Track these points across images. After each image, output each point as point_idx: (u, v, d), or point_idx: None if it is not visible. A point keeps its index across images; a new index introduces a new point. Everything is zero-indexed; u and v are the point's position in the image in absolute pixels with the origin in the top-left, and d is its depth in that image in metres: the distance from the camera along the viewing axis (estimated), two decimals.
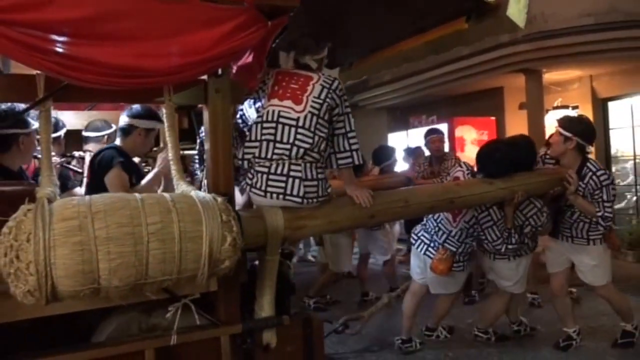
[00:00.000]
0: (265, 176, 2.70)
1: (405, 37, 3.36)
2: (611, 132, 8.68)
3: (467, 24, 2.96)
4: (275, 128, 2.72)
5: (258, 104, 2.90)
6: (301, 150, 2.69)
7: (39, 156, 3.02)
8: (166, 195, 2.32)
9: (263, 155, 2.72)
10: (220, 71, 2.60)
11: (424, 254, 4.19)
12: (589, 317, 5.04)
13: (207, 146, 2.68)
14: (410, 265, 4.55)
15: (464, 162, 4.24)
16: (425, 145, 6.65)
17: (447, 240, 4.02)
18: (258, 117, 2.80)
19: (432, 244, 4.15)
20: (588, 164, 4.07)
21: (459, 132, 8.67)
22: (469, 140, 9.28)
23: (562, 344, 4.38)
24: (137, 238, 2.13)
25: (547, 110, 8.64)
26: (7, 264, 2.07)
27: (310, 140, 2.70)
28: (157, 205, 2.21)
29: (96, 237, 2.08)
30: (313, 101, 2.74)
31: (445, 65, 8.48)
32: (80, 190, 3.63)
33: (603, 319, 4.96)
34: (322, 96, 2.76)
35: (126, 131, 3.37)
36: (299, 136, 2.69)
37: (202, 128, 3.21)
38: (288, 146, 2.69)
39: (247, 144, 2.78)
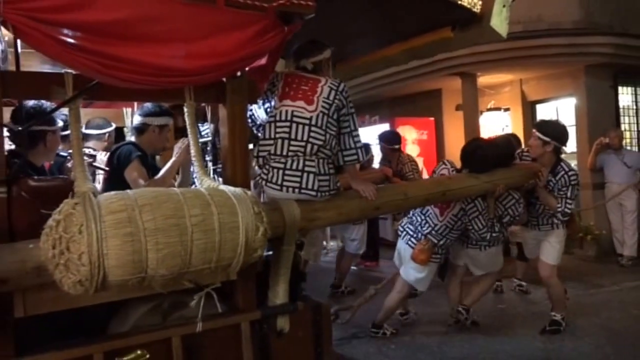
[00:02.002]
0: (281, 171, 2.94)
1: (389, 44, 3.68)
2: None
3: (452, 33, 3.32)
4: (290, 127, 2.97)
5: (267, 105, 3.13)
6: (315, 147, 2.95)
7: (62, 153, 3.14)
8: (202, 189, 2.50)
9: (279, 152, 2.96)
10: (238, 72, 2.81)
11: (407, 243, 4.56)
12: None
13: (224, 143, 2.88)
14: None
15: (448, 160, 4.63)
16: (381, 149, 6.99)
17: (430, 233, 4.42)
18: (271, 116, 3.04)
19: (415, 235, 4.52)
20: (562, 164, 4.62)
21: (401, 132, 9.11)
22: (410, 139, 9.79)
23: (549, 328, 4.85)
24: (182, 229, 2.31)
25: (482, 112, 9.25)
26: (57, 255, 2.20)
27: (323, 138, 2.97)
28: (197, 199, 2.40)
29: (145, 229, 2.24)
30: (323, 102, 3.01)
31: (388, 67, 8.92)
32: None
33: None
34: (331, 97, 3.03)
35: (141, 129, 3.53)
36: (312, 134, 2.96)
37: (206, 125, 3.42)
38: (303, 143, 2.95)
39: (261, 142, 3.01)
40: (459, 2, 2.92)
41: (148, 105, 3.51)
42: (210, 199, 2.42)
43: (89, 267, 2.17)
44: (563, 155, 4.75)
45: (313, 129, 2.97)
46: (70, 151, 2.90)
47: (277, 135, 2.99)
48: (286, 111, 3.01)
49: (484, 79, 9.09)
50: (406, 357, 4.51)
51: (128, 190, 2.41)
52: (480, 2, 3.03)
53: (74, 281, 2.20)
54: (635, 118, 8.94)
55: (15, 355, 2.40)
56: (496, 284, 5.97)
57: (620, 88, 8.75)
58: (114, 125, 4.00)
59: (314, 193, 2.96)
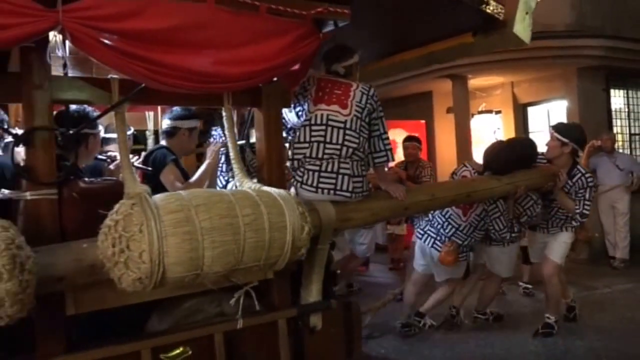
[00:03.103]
0: (316, 174, 3.17)
1: (408, 49, 3.94)
2: (530, 135, 9.76)
3: (474, 38, 3.59)
4: (325, 130, 3.21)
5: (299, 108, 3.36)
6: (350, 150, 3.20)
7: (100, 157, 3.32)
8: (249, 190, 2.72)
9: (314, 155, 3.20)
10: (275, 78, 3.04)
11: (432, 247, 4.84)
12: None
13: (260, 146, 3.11)
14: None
15: (468, 163, 4.92)
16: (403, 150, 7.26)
17: (455, 234, 4.71)
18: (305, 120, 3.27)
19: (439, 238, 4.80)
20: (578, 166, 4.94)
21: (391, 135, 9.41)
22: (401, 142, 10.06)
23: (542, 331, 5.07)
24: (235, 228, 2.53)
25: (473, 115, 9.59)
26: (117, 254, 2.39)
27: (357, 141, 3.22)
28: (246, 199, 2.62)
29: (202, 228, 2.45)
30: (356, 106, 3.26)
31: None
32: None
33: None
34: (363, 101, 3.28)
35: (171, 133, 3.72)
36: (347, 137, 3.20)
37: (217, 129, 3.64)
38: (338, 146, 3.19)
39: (296, 145, 3.25)
40: (484, 9, 3.17)
41: (177, 109, 3.71)
42: (259, 200, 2.63)
43: (150, 265, 2.36)
44: None
45: (348, 132, 3.22)
46: (112, 154, 3.11)
47: (313, 139, 3.22)
48: (321, 115, 3.25)
49: (475, 82, 9.42)
50: (423, 355, 4.80)
51: (180, 192, 2.62)
52: (503, 10, 3.29)
53: (133, 278, 2.39)
54: (627, 121, 9.36)
55: (65, 352, 2.58)
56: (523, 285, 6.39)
57: (612, 91, 9.16)
58: (132, 129, 4.18)
59: (348, 194, 3.20)
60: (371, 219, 3.44)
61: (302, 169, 3.24)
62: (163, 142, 3.75)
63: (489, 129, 9.44)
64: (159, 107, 4.29)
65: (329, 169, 3.18)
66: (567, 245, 5.09)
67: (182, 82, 2.64)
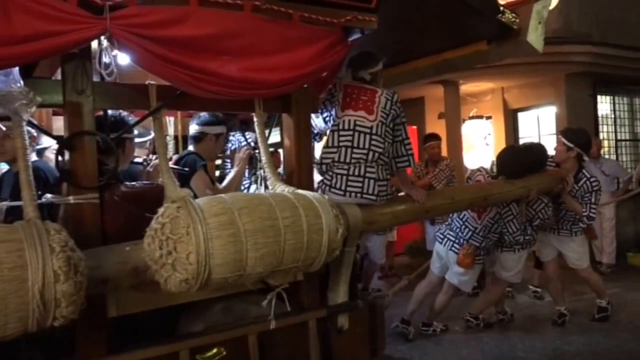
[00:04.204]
0: (344, 177, 3.30)
1: (422, 56, 4.10)
2: (520, 141, 9.99)
3: (488, 46, 3.75)
4: (353, 135, 3.34)
5: (326, 114, 3.49)
6: (376, 155, 3.33)
7: (135, 160, 3.40)
8: (286, 193, 2.83)
9: (342, 159, 3.32)
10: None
11: (450, 249, 5.01)
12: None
13: (289, 151, 3.23)
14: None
15: (482, 167, 5.09)
16: (424, 150, 7.39)
17: (472, 237, 4.87)
18: (334, 125, 3.40)
19: (457, 241, 4.97)
20: (583, 171, 5.18)
21: None
22: None
23: (559, 321, 5.52)
24: (276, 230, 2.63)
25: (464, 120, 9.78)
26: (165, 256, 2.48)
27: (382, 146, 3.35)
28: (285, 202, 2.73)
29: (245, 230, 2.55)
30: (382, 111, 3.39)
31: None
32: None
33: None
34: (387, 107, 3.42)
35: (198, 138, 3.80)
36: (373, 142, 3.33)
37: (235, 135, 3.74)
38: (365, 151, 3.32)
39: (325, 150, 3.37)
40: (500, 18, 3.33)
41: (205, 114, 3.79)
42: (297, 202, 2.75)
43: (196, 266, 2.45)
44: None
45: (374, 137, 3.35)
46: (155, 157, 3.19)
47: (341, 144, 3.35)
48: (349, 120, 3.38)
49: (466, 87, 9.60)
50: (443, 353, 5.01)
51: (222, 195, 2.72)
52: (517, 19, 3.46)
53: (180, 279, 2.48)
54: (613, 127, 9.63)
55: (107, 354, 2.66)
56: (507, 290, 6.42)
57: (599, 97, 9.42)
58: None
59: (374, 197, 3.33)
60: (394, 222, 3.58)
61: (330, 173, 3.36)
62: (191, 148, 3.83)
63: (479, 135, 9.62)
64: (178, 113, 4.37)
65: (357, 173, 3.31)
66: (583, 248, 5.49)
67: (222, 89, 2.74)
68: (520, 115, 10.11)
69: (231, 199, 2.63)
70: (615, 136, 9.73)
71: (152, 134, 4.18)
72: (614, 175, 8.28)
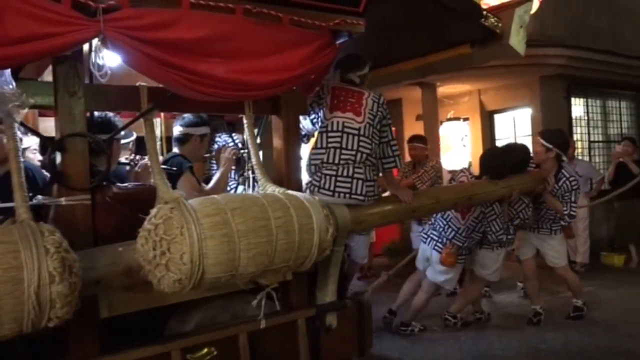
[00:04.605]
0: (333, 178, 3.36)
1: (407, 59, 4.17)
2: (497, 143, 10.15)
3: (471, 50, 3.84)
4: (341, 137, 3.40)
5: (313, 116, 3.54)
6: (364, 156, 3.39)
7: (122, 161, 3.41)
8: (278, 194, 2.88)
9: (331, 160, 3.38)
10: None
11: (433, 248, 5.11)
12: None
13: (278, 152, 3.28)
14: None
15: (465, 168, 5.19)
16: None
17: (455, 237, 4.98)
18: (322, 127, 3.45)
19: (440, 240, 5.08)
20: (563, 170, 5.33)
21: None
22: None
23: (534, 319, 5.63)
24: (268, 230, 2.67)
25: (442, 122, 9.90)
26: (158, 256, 2.51)
27: (370, 147, 3.42)
28: (277, 203, 2.77)
29: (238, 230, 2.59)
30: (369, 113, 3.46)
31: None
32: None
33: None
34: (375, 109, 3.48)
35: (183, 140, 3.80)
36: (361, 143, 3.39)
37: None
38: (353, 152, 3.38)
39: (313, 151, 3.43)
40: (483, 22, 3.42)
41: (189, 116, 3.81)
42: (288, 203, 2.79)
43: (190, 266, 2.48)
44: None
45: (362, 138, 3.41)
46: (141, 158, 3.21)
47: (329, 145, 3.40)
48: (337, 122, 3.44)
49: (443, 89, 9.71)
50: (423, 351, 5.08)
51: (214, 196, 2.75)
52: (500, 23, 3.56)
53: (174, 279, 2.51)
54: (586, 128, 9.84)
55: (99, 355, 2.68)
56: (485, 290, 6.57)
57: (573, 99, 9.61)
58: (135, 134, 4.26)
59: (362, 198, 3.39)
60: (382, 222, 3.65)
61: (319, 174, 3.41)
62: (175, 150, 3.84)
63: (457, 136, 9.75)
64: (162, 114, 4.38)
65: (345, 174, 3.37)
66: (562, 247, 5.65)
67: (215, 91, 2.79)
68: (496, 116, 10.25)
69: (224, 200, 2.67)
70: (589, 137, 9.93)
71: (135, 135, 4.22)
72: (587, 176, 8.43)
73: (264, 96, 3.05)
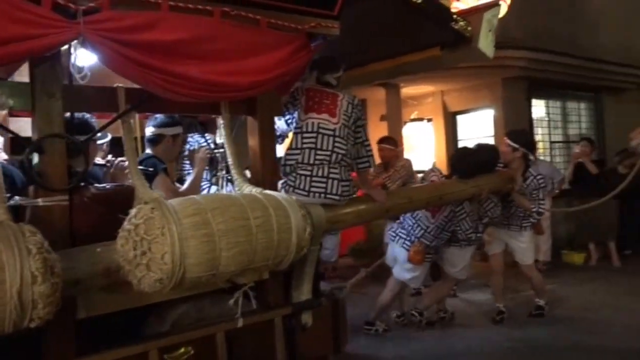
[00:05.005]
0: (308, 178, 3.43)
1: (379, 60, 4.27)
2: (459, 143, 10.34)
3: (441, 52, 3.96)
4: (316, 138, 3.47)
5: (288, 116, 3.61)
6: (339, 156, 3.47)
7: (97, 162, 3.42)
8: (256, 194, 2.94)
9: (306, 160, 3.45)
10: None
11: (402, 246, 5.22)
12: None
13: (253, 152, 3.34)
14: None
15: (435, 167, 5.31)
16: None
17: (423, 235, 5.07)
18: (297, 128, 3.52)
19: (409, 238, 5.18)
20: (530, 169, 5.53)
21: None
22: None
23: (497, 318, 5.80)
24: (248, 230, 2.73)
25: (405, 122, 10.07)
26: (139, 256, 2.54)
27: (345, 147, 3.50)
28: (255, 203, 2.83)
29: (218, 230, 2.64)
30: (344, 114, 3.54)
31: None
32: None
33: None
34: (349, 111, 3.57)
35: (155, 141, 3.80)
36: (336, 144, 3.48)
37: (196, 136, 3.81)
38: (328, 152, 3.46)
39: (289, 152, 3.49)
40: (453, 26, 3.54)
41: (161, 116, 3.82)
42: (267, 203, 2.86)
43: (171, 266, 2.52)
44: None
45: (337, 139, 3.50)
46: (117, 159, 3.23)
47: (305, 146, 3.48)
48: (312, 123, 3.51)
49: (407, 90, 9.83)
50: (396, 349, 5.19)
51: (194, 196, 2.80)
52: (469, 27, 3.68)
53: (155, 279, 2.54)
54: (547, 129, 10.11)
55: (75, 356, 2.70)
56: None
57: (533, 100, 9.87)
58: (110, 136, 4.26)
59: (337, 198, 3.48)
60: (357, 221, 3.74)
61: (294, 174, 3.48)
62: (148, 151, 3.85)
63: (420, 136, 9.92)
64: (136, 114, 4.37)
65: (320, 174, 3.45)
66: (529, 246, 5.82)
67: (194, 92, 2.83)
68: (459, 117, 10.44)
69: (204, 200, 2.71)
70: (549, 138, 10.20)
71: (110, 136, 4.22)
72: (549, 176, 8.55)
73: (241, 97, 3.10)
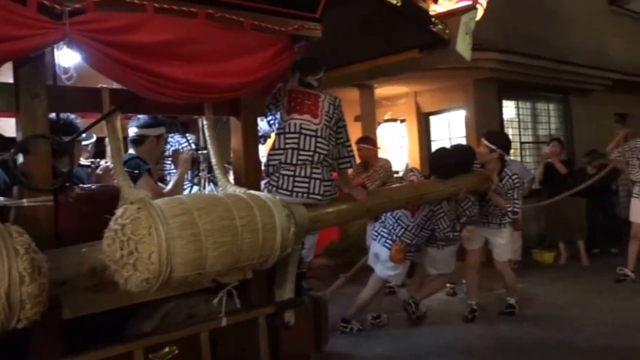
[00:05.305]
0: (291, 178, 3.48)
1: (359, 62, 4.34)
2: (433, 143, 10.50)
3: (420, 54, 4.04)
4: (299, 138, 3.52)
5: (270, 117, 3.65)
6: (321, 156, 3.53)
7: (82, 163, 3.42)
8: (241, 194, 2.98)
9: (288, 161, 3.50)
10: None
11: (383, 245, 5.29)
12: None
13: (236, 152, 3.38)
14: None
15: (414, 168, 5.40)
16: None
17: (404, 234, 5.18)
18: (280, 128, 3.57)
19: (390, 237, 5.26)
20: (506, 169, 5.66)
21: None
22: None
23: (469, 316, 5.90)
24: (233, 229, 2.76)
25: (379, 123, 10.17)
26: (126, 256, 2.57)
27: (327, 148, 3.56)
28: (241, 202, 2.87)
29: (205, 230, 2.67)
30: (325, 115, 3.60)
31: None
32: None
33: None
34: (330, 111, 3.63)
35: (139, 141, 3.80)
36: (318, 144, 3.53)
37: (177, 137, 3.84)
38: (311, 153, 3.51)
39: (271, 152, 3.54)
40: (431, 28, 3.63)
41: (144, 117, 3.83)
42: (251, 202, 2.90)
43: (158, 265, 2.54)
44: None
45: (319, 140, 3.56)
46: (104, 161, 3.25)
47: (287, 146, 3.53)
48: (295, 124, 3.57)
49: (380, 91, 9.94)
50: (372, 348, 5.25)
51: (180, 196, 2.83)
52: (447, 30, 3.77)
53: (142, 279, 2.56)
54: (518, 130, 10.29)
55: (62, 355, 2.71)
56: (449, 286, 6.85)
57: (504, 101, 10.03)
58: (95, 137, 4.25)
59: (319, 197, 3.54)
60: (338, 220, 3.80)
61: (277, 174, 3.53)
62: (132, 151, 3.86)
63: (394, 137, 10.03)
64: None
65: (303, 174, 3.51)
66: (508, 243, 5.97)
67: (179, 93, 2.86)
68: (432, 118, 10.56)
69: (190, 200, 2.74)
70: (520, 139, 10.37)
71: (95, 137, 4.22)
72: (520, 176, 8.82)
73: (225, 99, 3.14)
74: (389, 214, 5.23)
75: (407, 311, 5.73)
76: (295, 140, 3.55)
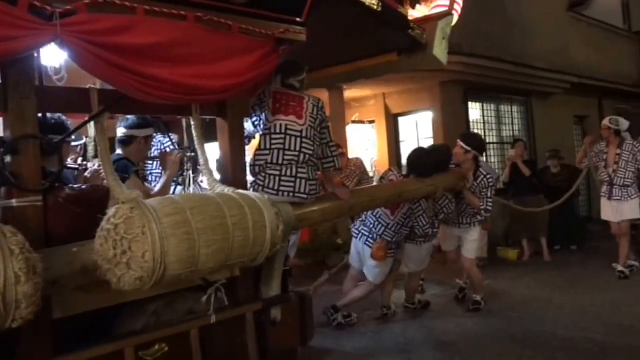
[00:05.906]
0: (277, 178, 3.50)
1: (338, 64, 4.37)
2: (401, 144, 10.63)
3: (398, 57, 4.10)
4: (284, 139, 3.54)
5: (255, 118, 3.66)
6: (306, 156, 3.55)
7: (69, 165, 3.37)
8: (231, 192, 2.98)
9: (274, 161, 3.51)
10: None
11: (364, 244, 5.34)
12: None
13: (223, 152, 3.38)
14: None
15: (393, 167, 5.45)
16: None
17: (385, 232, 5.24)
18: (265, 129, 3.58)
19: (371, 236, 5.32)
20: (480, 169, 5.77)
21: None
22: None
23: (472, 307, 6.08)
24: (225, 228, 2.77)
25: (348, 124, 10.23)
26: (119, 255, 2.55)
27: (312, 148, 3.59)
28: (231, 201, 2.87)
29: (198, 228, 2.67)
30: (310, 116, 3.63)
31: None
32: None
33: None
34: (315, 113, 3.66)
35: (127, 142, 3.74)
36: (304, 145, 3.55)
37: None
38: (296, 153, 3.53)
39: (257, 152, 3.55)
40: (409, 32, 3.69)
41: (132, 117, 3.79)
42: (242, 201, 2.91)
43: (152, 264, 2.53)
44: None
45: (304, 140, 3.58)
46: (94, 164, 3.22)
47: (273, 146, 3.54)
48: (280, 125, 3.58)
49: (350, 92, 9.95)
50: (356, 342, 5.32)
51: (172, 196, 2.83)
52: (425, 34, 3.84)
53: (135, 277, 2.55)
54: (483, 131, 10.44)
55: (53, 354, 2.68)
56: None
57: (470, 103, 10.17)
58: (85, 138, 4.18)
59: (305, 196, 3.56)
60: (323, 219, 3.83)
61: (263, 174, 3.54)
62: (119, 152, 3.81)
63: (363, 138, 10.10)
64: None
65: (289, 174, 3.53)
66: (477, 242, 6.06)
67: (167, 94, 2.85)
68: (400, 119, 10.65)
69: (182, 200, 2.73)
70: (485, 139, 10.52)
71: (85, 139, 4.15)
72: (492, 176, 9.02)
73: (213, 100, 3.15)
74: (369, 212, 5.29)
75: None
76: (281, 141, 3.57)
